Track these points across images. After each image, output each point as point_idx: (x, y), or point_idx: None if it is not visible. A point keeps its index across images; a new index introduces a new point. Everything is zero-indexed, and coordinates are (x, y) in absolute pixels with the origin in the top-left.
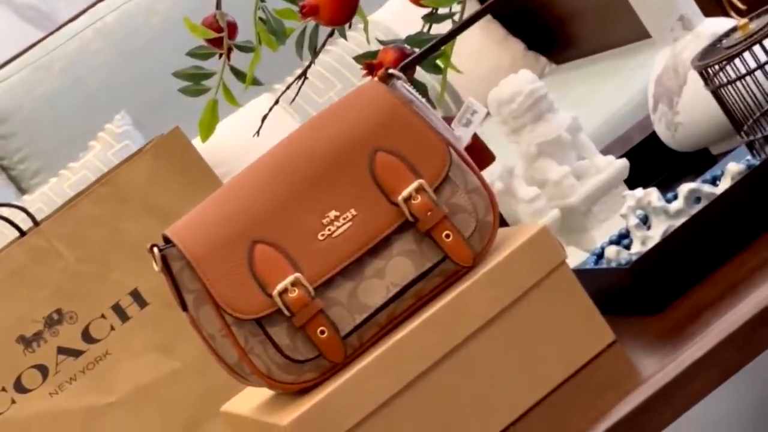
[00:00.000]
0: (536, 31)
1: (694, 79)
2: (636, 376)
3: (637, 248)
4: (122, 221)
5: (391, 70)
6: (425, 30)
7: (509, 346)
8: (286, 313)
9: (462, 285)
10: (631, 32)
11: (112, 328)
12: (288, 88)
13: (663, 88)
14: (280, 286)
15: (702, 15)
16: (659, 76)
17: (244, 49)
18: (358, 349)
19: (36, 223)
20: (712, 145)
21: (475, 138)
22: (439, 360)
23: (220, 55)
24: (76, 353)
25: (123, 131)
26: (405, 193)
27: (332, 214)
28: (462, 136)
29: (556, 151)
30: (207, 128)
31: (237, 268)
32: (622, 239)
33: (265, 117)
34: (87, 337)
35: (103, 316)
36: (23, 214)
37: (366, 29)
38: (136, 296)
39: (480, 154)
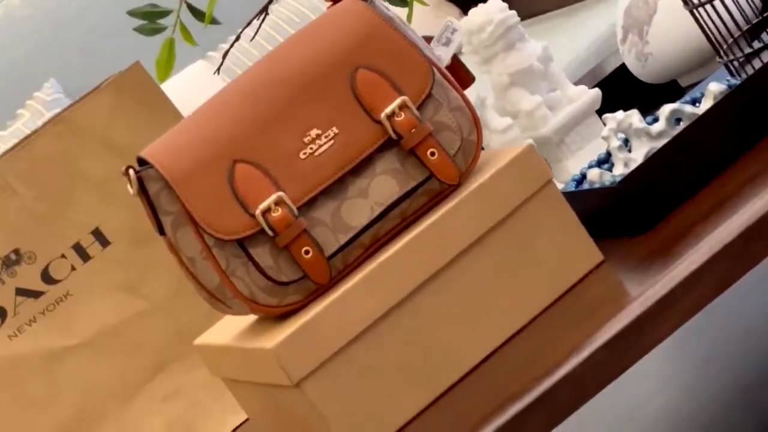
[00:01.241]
0: None
1: (665, 8)
2: (627, 294)
3: (620, 170)
4: (81, 158)
5: None
6: None
7: (496, 267)
8: (270, 233)
9: (447, 204)
10: None
11: (73, 268)
12: (248, 24)
13: (632, 19)
14: (262, 206)
15: None
16: (628, 6)
17: None
18: (342, 271)
19: None
20: (681, 76)
21: (454, 58)
22: (425, 281)
23: None
24: (36, 294)
25: (53, 99)
26: (388, 110)
27: (314, 132)
28: (442, 55)
29: (528, 82)
30: (164, 68)
31: (217, 188)
32: (603, 164)
33: (226, 53)
34: (47, 277)
35: (63, 256)
36: None
37: None
38: (98, 235)
39: (459, 74)
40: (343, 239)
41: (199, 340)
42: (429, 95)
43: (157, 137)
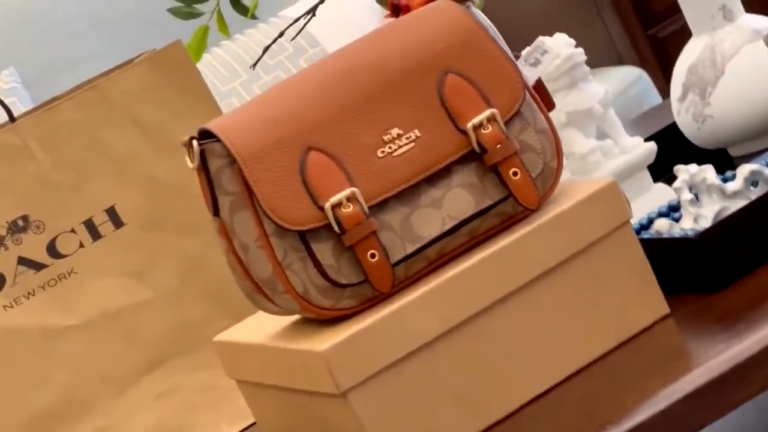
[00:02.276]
0: None
1: (734, 71)
2: (688, 358)
3: (689, 224)
4: (106, 130)
5: None
6: None
7: (563, 301)
8: (337, 229)
9: (522, 229)
10: None
11: (81, 245)
12: (295, 22)
13: (697, 77)
14: (334, 199)
15: (743, 9)
16: (693, 64)
17: None
18: (403, 281)
19: (12, 118)
20: (735, 145)
21: (539, 81)
22: (490, 305)
23: None
24: (38, 266)
25: (10, 87)
26: (476, 120)
27: (394, 131)
28: (528, 76)
29: (585, 124)
30: (195, 54)
31: (287, 173)
32: (664, 215)
33: (266, 48)
34: (52, 250)
35: (72, 231)
36: None
37: None
38: (112, 214)
39: (542, 98)
40: (410, 248)
41: (221, 337)
42: (517, 113)
43: (186, 120)
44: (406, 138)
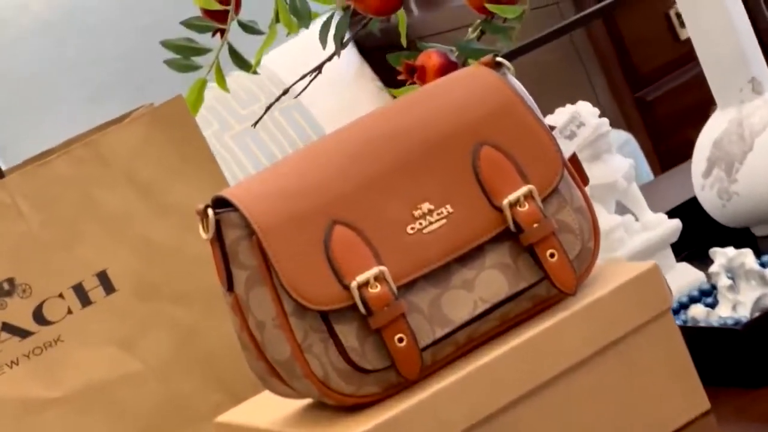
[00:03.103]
0: None
1: (763, 146)
2: None
3: (727, 312)
4: (99, 189)
5: (499, 58)
6: (473, 36)
7: (598, 393)
8: (363, 310)
9: (558, 315)
10: None
11: (70, 311)
12: (299, 80)
13: (723, 152)
14: (360, 278)
15: None
16: (719, 138)
17: (250, 29)
18: (429, 367)
19: (1, 174)
20: (761, 224)
21: (573, 156)
22: (521, 396)
23: (215, 33)
24: (24, 333)
25: None
26: (512, 197)
27: (425, 206)
28: (564, 149)
29: (607, 198)
30: (191, 109)
31: (310, 248)
32: (696, 301)
33: (269, 107)
34: (39, 317)
35: (61, 296)
36: None
37: (403, 27)
38: (103, 279)
39: (577, 173)
40: (440, 333)
41: (223, 419)
42: (555, 189)
43: (186, 180)
44: (438, 214)
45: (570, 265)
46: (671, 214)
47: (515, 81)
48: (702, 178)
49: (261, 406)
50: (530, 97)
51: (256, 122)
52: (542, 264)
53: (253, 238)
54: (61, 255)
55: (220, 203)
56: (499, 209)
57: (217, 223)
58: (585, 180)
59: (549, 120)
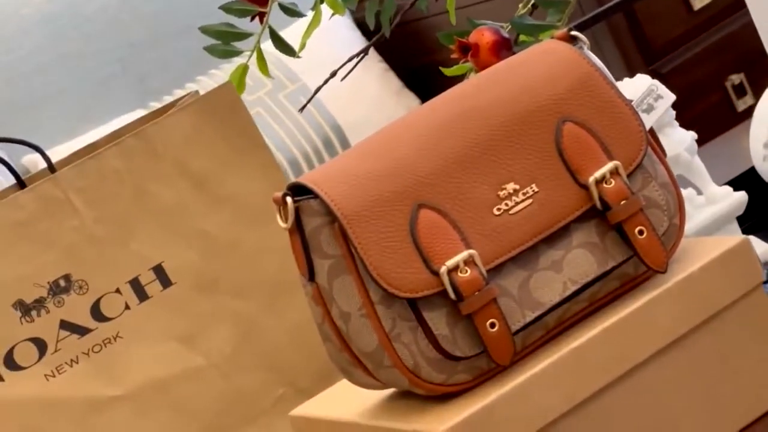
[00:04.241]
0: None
1: None
2: None
3: None
4: (152, 182)
5: (575, 32)
6: (524, 11)
7: (693, 373)
8: (453, 296)
9: (649, 294)
10: None
11: (127, 307)
12: (347, 61)
13: None
14: (450, 263)
15: None
16: None
17: (292, 12)
18: (519, 352)
19: (52, 168)
20: None
21: (651, 130)
22: (615, 379)
23: (253, 17)
24: (82, 331)
25: None
26: (598, 174)
27: (510, 186)
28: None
29: None
30: None
31: (396, 233)
32: None
33: (318, 89)
34: (96, 313)
35: (117, 291)
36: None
37: (452, 6)
38: (160, 273)
39: (655, 147)
40: (530, 316)
41: (298, 411)
42: (639, 165)
43: (240, 170)
44: (524, 194)
45: (659, 242)
46: (731, 185)
47: (592, 55)
48: (764, 148)
49: (337, 399)
50: (608, 72)
51: (303, 108)
52: (631, 242)
53: (335, 226)
54: (116, 250)
55: (299, 190)
56: (585, 187)
57: (297, 211)
58: (664, 154)
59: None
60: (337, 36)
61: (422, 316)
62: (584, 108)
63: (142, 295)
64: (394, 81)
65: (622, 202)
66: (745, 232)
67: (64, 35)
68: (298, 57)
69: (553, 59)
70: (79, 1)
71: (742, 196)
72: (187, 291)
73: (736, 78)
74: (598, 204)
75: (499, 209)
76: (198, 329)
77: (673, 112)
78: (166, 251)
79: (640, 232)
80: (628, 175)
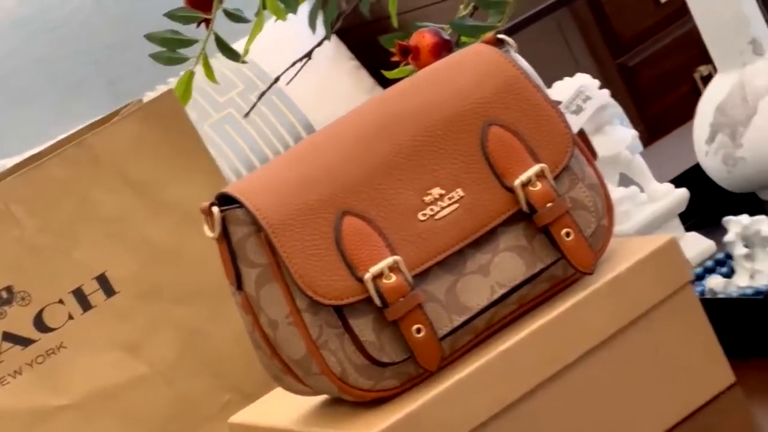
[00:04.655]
0: None
1: (767, 109)
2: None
3: (745, 282)
4: (95, 191)
5: (502, 36)
6: (465, 13)
7: (621, 373)
8: (378, 302)
9: (577, 295)
10: None
11: (71, 317)
12: (290, 66)
13: (726, 117)
14: (374, 269)
15: None
16: (723, 103)
17: (236, 18)
18: (448, 357)
19: None
20: (765, 188)
21: (581, 131)
22: (543, 381)
23: (199, 23)
24: (26, 342)
25: None
26: (524, 177)
27: (436, 191)
28: (571, 124)
29: (611, 171)
30: (181, 101)
31: (321, 241)
32: (710, 272)
33: (261, 95)
34: (40, 324)
35: (61, 302)
36: None
37: (393, 9)
38: (103, 282)
39: (584, 149)
40: (457, 321)
41: (236, 418)
42: (566, 167)
43: (182, 177)
44: (449, 198)
45: (586, 244)
46: (676, 182)
47: (519, 58)
48: (705, 145)
49: (275, 405)
50: (536, 74)
51: (248, 113)
52: (558, 244)
53: (261, 235)
54: (59, 260)
55: (225, 200)
56: (511, 190)
57: (223, 220)
58: (593, 155)
59: (550, 95)
60: (308, 34)
61: (348, 323)
62: (510, 111)
63: (85, 304)
64: (366, 79)
65: (548, 205)
66: (691, 227)
67: (36, 39)
68: (244, 62)
69: (478, 63)
70: (51, 5)
71: (683, 193)
72: (131, 299)
73: (704, 69)
74: (525, 207)
75: (424, 214)
76: (142, 337)
77: (617, 111)
78: (109, 260)
79: (567, 234)
80: (555, 178)
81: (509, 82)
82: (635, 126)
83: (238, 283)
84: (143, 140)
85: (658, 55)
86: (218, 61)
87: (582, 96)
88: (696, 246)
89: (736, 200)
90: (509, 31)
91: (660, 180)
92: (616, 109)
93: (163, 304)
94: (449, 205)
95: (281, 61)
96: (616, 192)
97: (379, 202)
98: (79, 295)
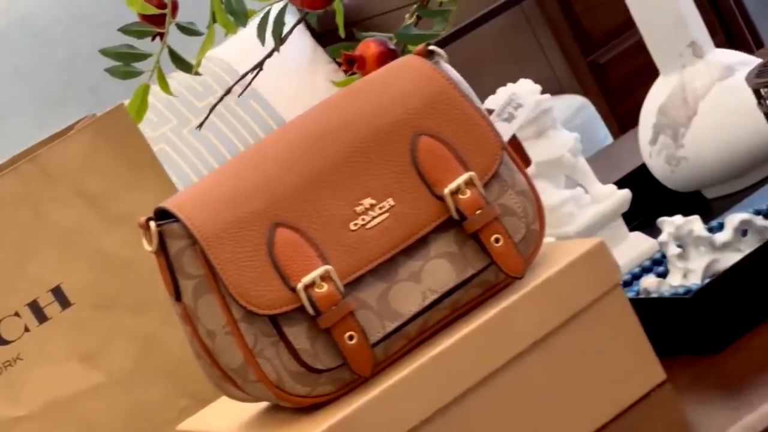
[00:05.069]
0: None
1: (706, 111)
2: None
3: (678, 281)
4: (49, 205)
5: (432, 47)
6: (410, 22)
7: (553, 374)
8: (311, 311)
9: (507, 299)
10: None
11: (27, 329)
12: (242, 78)
13: (668, 118)
14: (306, 279)
15: (712, 44)
16: (664, 104)
17: (189, 31)
18: (382, 362)
19: None
20: (711, 187)
21: (513, 138)
22: (477, 383)
23: (154, 37)
24: None
25: None
26: (453, 185)
27: (367, 201)
28: (502, 132)
29: (554, 174)
30: (136, 115)
31: (253, 253)
32: (647, 271)
33: (213, 107)
34: None
35: (17, 314)
36: None
37: (340, 21)
38: (58, 294)
39: (518, 155)
40: (390, 327)
41: (184, 426)
42: (495, 174)
43: (134, 189)
44: (380, 208)
45: (515, 249)
46: (622, 183)
47: (449, 68)
48: (649, 146)
49: (221, 411)
50: (465, 83)
51: (201, 124)
52: (488, 250)
53: (196, 248)
54: (14, 274)
55: (163, 214)
56: (441, 198)
57: (160, 234)
58: (527, 161)
59: (490, 101)
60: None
61: (283, 331)
62: (439, 121)
63: (41, 316)
64: None
65: (477, 212)
66: (638, 227)
67: (16, 48)
68: (197, 73)
69: (408, 75)
70: (30, 14)
71: (625, 193)
72: (87, 310)
73: None
74: (455, 214)
75: (355, 224)
76: (99, 347)
77: (556, 116)
78: (64, 272)
79: (496, 240)
80: (485, 185)
81: (438, 93)
82: (607, 123)
83: (177, 295)
84: (96, 154)
85: (629, 52)
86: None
87: (513, 104)
88: (639, 246)
89: (683, 199)
90: (474, 24)
91: (615, 179)
92: (590, 110)
93: (119, 314)
94: (380, 214)
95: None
96: (560, 194)
97: (311, 214)
98: (35, 308)
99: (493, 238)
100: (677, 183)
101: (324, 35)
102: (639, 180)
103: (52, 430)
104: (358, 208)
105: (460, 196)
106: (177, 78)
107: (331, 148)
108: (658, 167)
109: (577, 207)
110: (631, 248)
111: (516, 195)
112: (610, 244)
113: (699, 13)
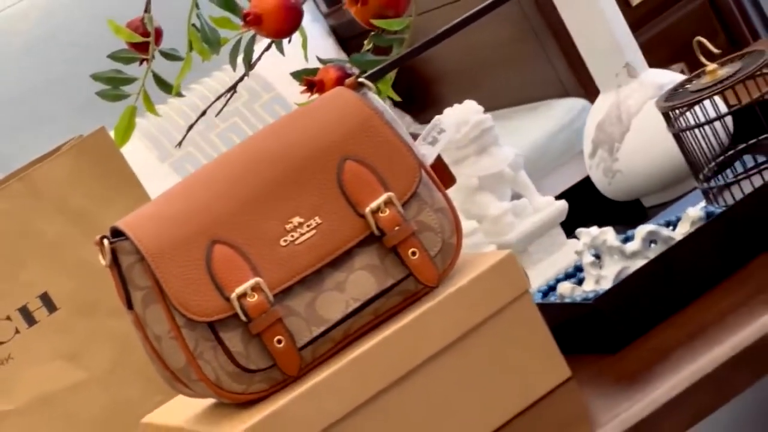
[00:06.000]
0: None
1: (638, 128)
2: (590, 421)
3: (591, 286)
4: (36, 220)
5: (361, 79)
6: (368, 48)
7: (466, 373)
8: (243, 318)
9: (423, 305)
10: (497, 99)
11: (17, 331)
12: (216, 100)
13: (604, 134)
14: (239, 290)
15: (646, 65)
16: (601, 121)
17: (171, 57)
18: (310, 363)
19: None
20: (646, 196)
21: (438, 158)
22: (394, 381)
23: (141, 62)
24: None
25: None
26: (373, 205)
27: (296, 220)
28: (426, 154)
29: (496, 187)
30: (123, 135)
31: (194, 267)
32: (570, 277)
33: (191, 127)
34: None
35: (8, 318)
36: None
37: (305, 46)
38: (46, 300)
39: (442, 175)
40: (316, 331)
41: (147, 419)
42: (414, 194)
43: (113, 205)
44: (307, 226)
45: (431, 261)
46: (568, 194)
47: (375, 98)
48: (590, 159)
49: (180, 405)
50: (390, 112)
51: (180, 142)
52: (405, 262)
53: (144, 262)
54: (7, 282)
55: (117, 233)
56: (363, 216)
57: (113, 251)
58: (451, 180)
59: (446, 113)
60: (311, 44)
61: (220, 336)
62: (364, 147)
63: (30, 320)
64: None
65: (396, 228)
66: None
67: (49, 61)
68: (179, 95)
69: (337, 105)
70: (63, 27)
71: (562, 204)
72: (71, 314)
73: (675, 68)
74: (376, 231)
75: (285, 240)
76: (81, 348)
77: (496, 133)
78: (51, 280)
79: (413, 253)
80: (404, 204)
81: (364, 122)
82: None
83: (129, 304)
84: (79, 173)
85: None
86: (225, 73)
87: (437, 129)
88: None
89: (623, 208)
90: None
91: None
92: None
93: (99, 318)
94: (308, 231)
95: (284, 72)
96: (500, 206)
97: (246, 232)
98: (25, 312)
99: (410, 251)
100: (615, 194)
101: (349, 40)
102: (583, 191)
103: (39, 422)
104: (288, 226)
105: (380, 215)
106: (195, 90)
107: (265, 173)
108: (597, 179)
109: (522, 216)
110: (568, 255)
111: (433, 212)
112: (548, 250)
113: (634, 38)
